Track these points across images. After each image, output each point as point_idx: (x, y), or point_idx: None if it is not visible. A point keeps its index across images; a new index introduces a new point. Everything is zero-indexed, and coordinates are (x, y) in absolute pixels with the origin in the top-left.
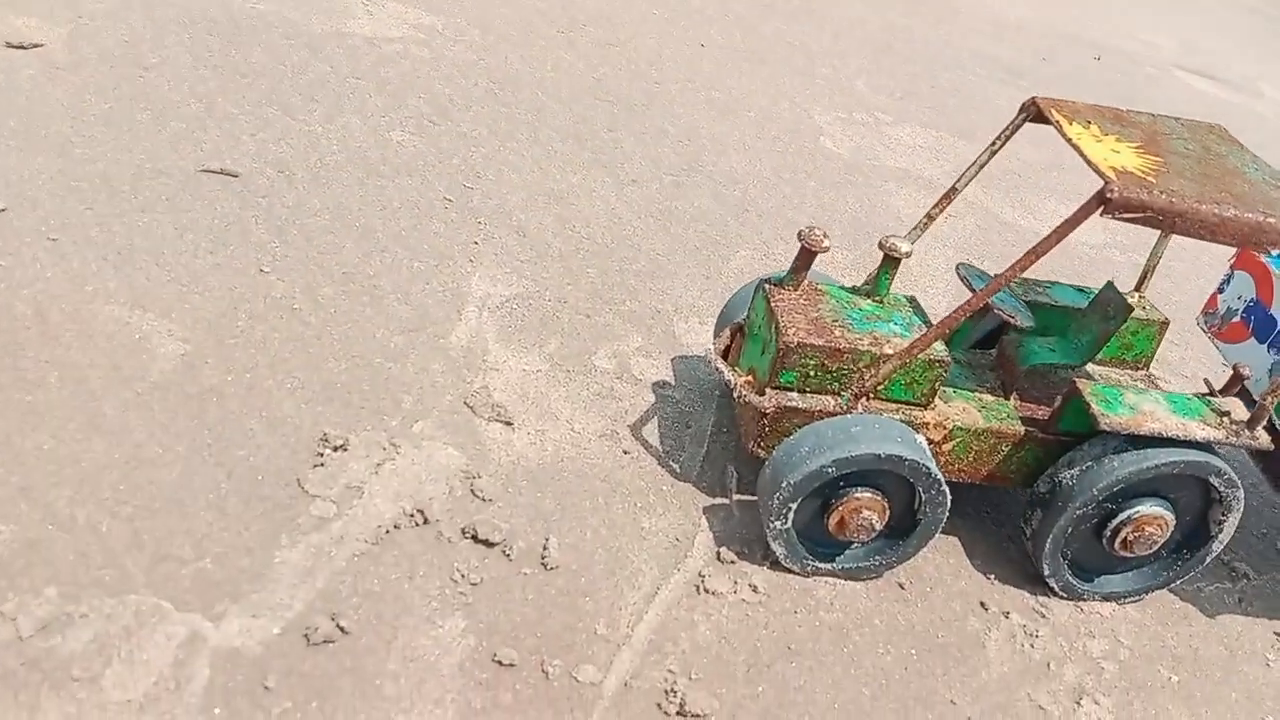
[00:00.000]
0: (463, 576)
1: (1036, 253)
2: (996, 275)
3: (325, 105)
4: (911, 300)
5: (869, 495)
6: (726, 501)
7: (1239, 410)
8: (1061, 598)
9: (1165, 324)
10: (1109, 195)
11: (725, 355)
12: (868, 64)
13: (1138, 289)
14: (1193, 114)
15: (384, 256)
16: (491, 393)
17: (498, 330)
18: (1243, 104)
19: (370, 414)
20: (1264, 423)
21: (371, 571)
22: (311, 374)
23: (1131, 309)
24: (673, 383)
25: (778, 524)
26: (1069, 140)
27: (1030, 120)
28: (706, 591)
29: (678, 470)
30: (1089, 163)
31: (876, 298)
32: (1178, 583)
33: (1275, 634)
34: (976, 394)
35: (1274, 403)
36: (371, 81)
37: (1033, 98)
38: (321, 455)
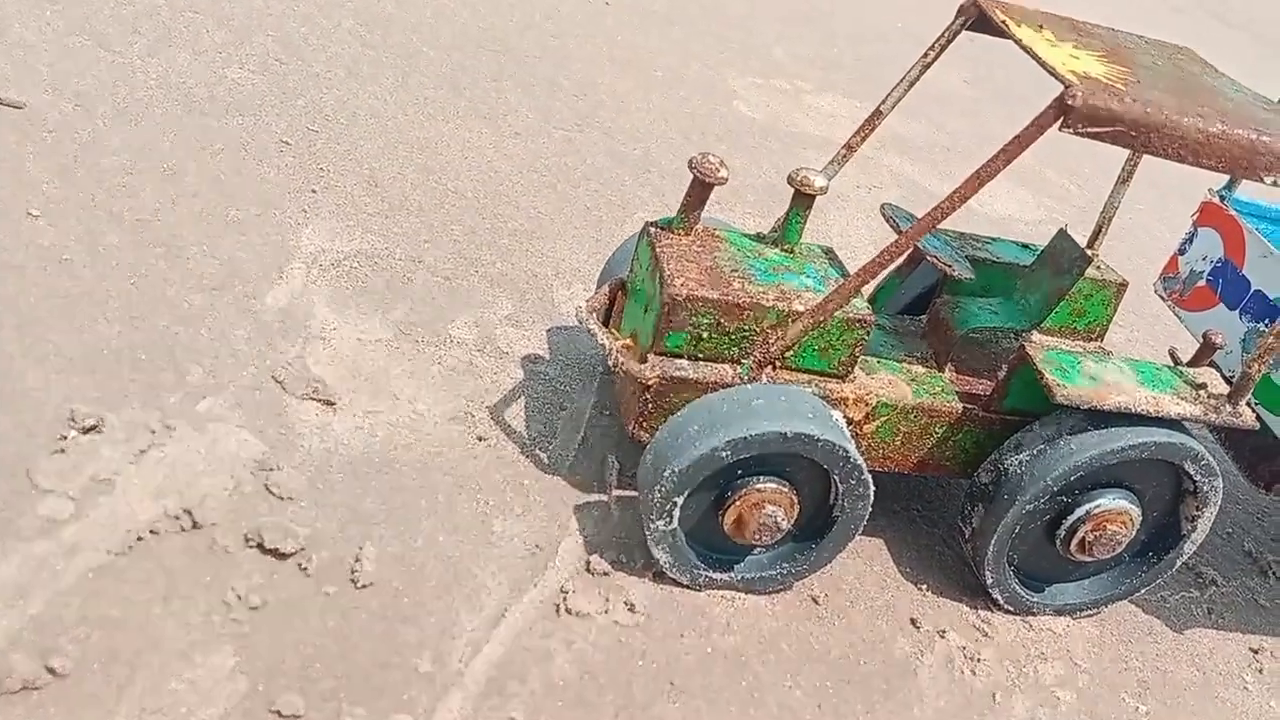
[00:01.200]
0: (239, 599)
1: (980, 178)
2: (929, 210)
3: (149, 38)
4: (827, 251)
5: (773, 486)
6: (605, 498)
7: (1216, 383)
8: (1007, 612)
9: (1123, 286)
10: (1071, 102)
11: (606, 320)
12: (786, 32)
13: (1090, 246)
14: None
15: (192, 203)
16: (310, 365)
17: (330, 292)
18: None
19: (142, 388)
20: (1248, 395)
21: (110, 592)
22: (72, 338)
23: (1089, 260)
24: (547, 356)
25: (660, 524)
26: (1019, 43)
27: (969, 27)
28: (569, 612)
29: (545, 461)
30: (1045, 66)
31: (785, 246)
32: (1142, 592)
33: (1251, 650)
34: (905, 365)
35: (1261, 371)
36: (212, 17)
37: None
38: (64, 439)
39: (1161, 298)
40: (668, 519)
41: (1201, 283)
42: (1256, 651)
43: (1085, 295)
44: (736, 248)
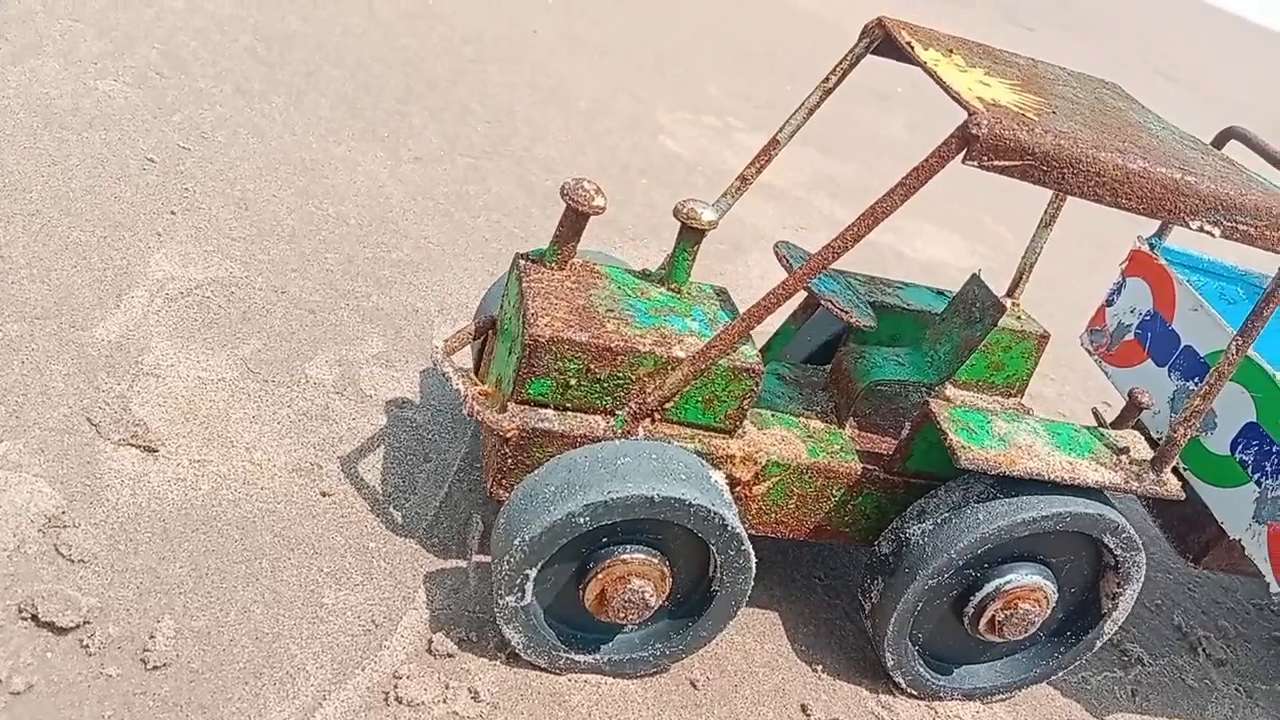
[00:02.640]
0: (0, 681)
1: (875, 214)
2: (822, 248)
3: (16, 44)
4: (720, 292)
5: (641, 558)
6: (463, 565)
7: (1140, 447)
8: (911, 696)
9: (1045, 338)
10: (974, 131)
11: (479, 364)
12: (725, 69)
13: (1010, 294)
14: None
15: (30, 222)
16: (134, 406)
17: (174, 324)
18: None
19: None
20: (1173, 462)
21: None
22: None
23: (1004, 309)
24: (416, 401)
25: (510, 600)
26: (924, 66)
27: (874, 50)
28: (399, 701)
29: (398, 520)
30: (949, 92)
31: (672, 285)
32: (1060, 674)
33: None
34: (803, 419)
35: (1187, 436)
36: (94, 26)
37: (879, 17)
38: None
39: (1088, 352)
40: (519, 594)
41: (1129, 336)
42: None
43: (1004, 347)
44: (616, 285)
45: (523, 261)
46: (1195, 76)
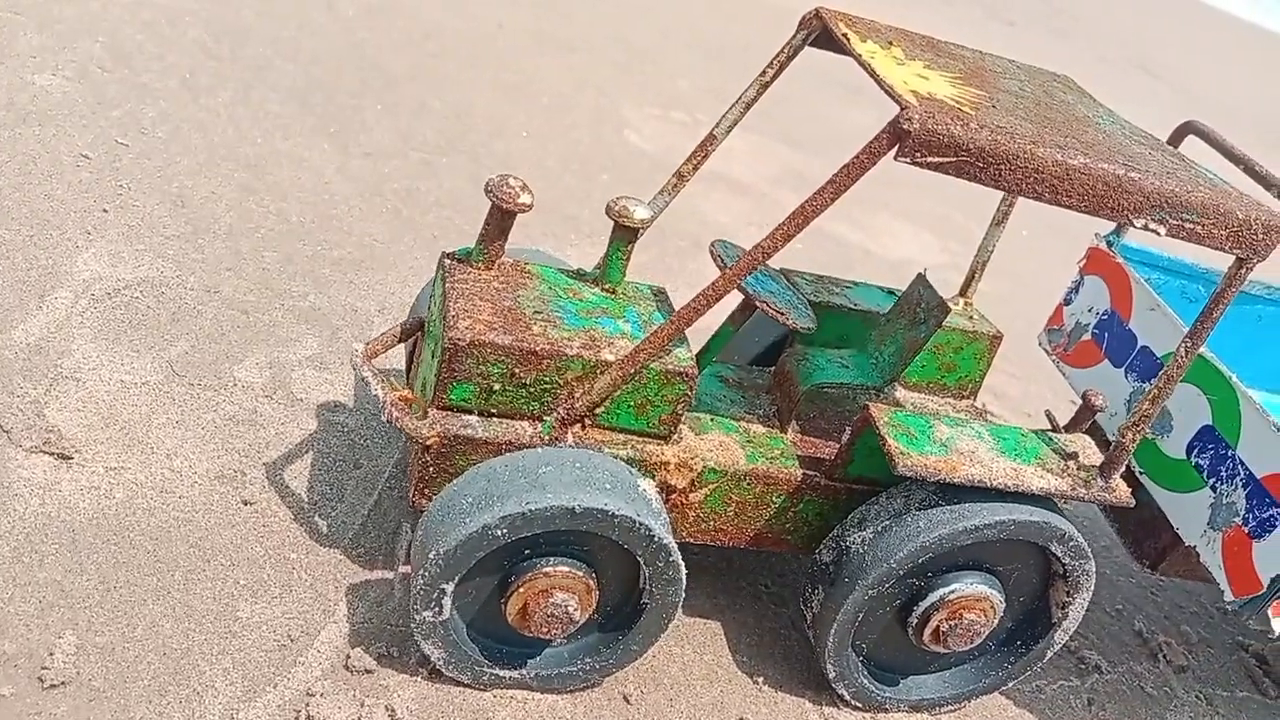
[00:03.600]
0: None
1: (806, 212)
2: (752, 247)
3: None
4: (658, 293)
5: (564, 570)
6: (390, 576)
7: (1090, 452)
8: (855, 708)
9: (997, 338)
10: (905, 126)
11: (410, 366)
12: (696, 64)
13: (963, 294)
14: None
15: None
16: (49, 411)
17: (98, 325)
18: None
19: None
20: (1122, 468)
21: None
22: None
23: (948, 309)
24: (349, 405)
25: (428, 615)
26: (858, 59)
27: (814, 43)
28: None
29: (323, 530)
30: (882, 85)
31: (606, 285)
32: (1010, 684)
33: None
34: (743, 424)
35: (1135, 441)
36: (35, 18)
37: (816, 9)
38: None
39: (1046, 352)
40: (437, 609)
41: (1087, 336)
42: None
43: (955, 348)
44: (547, 285)
45: (448, 261)
46: (1179, 74)
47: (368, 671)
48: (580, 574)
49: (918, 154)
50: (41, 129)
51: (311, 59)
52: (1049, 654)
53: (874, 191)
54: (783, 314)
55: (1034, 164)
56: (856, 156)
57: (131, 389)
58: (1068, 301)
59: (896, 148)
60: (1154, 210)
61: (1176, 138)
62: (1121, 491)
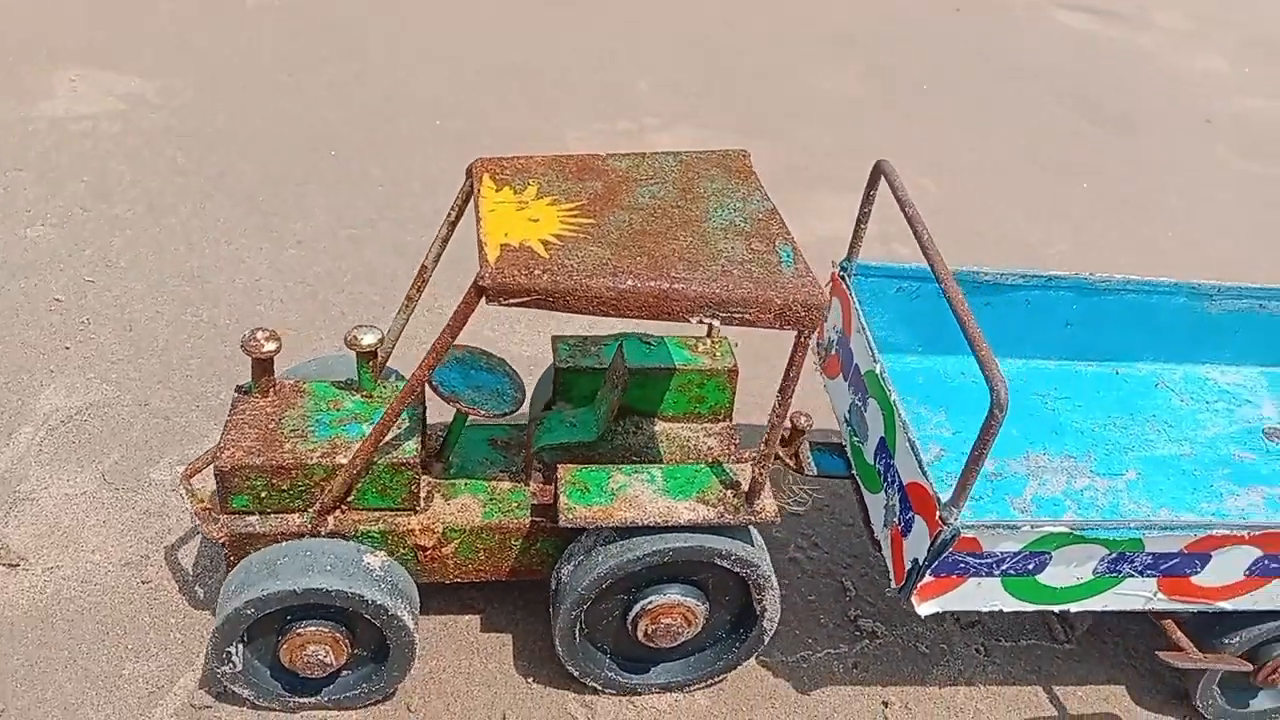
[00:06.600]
0: None
1: (437, 350)
2: (412, 374)
3: None
4: None
5: (314, 629)
6: None
7: (748, 479)
8: (611, 694)
9: (734, 372)
10: (482, 283)
11: None
12: (664, 61)
13: (709, 332)
14: (1062, 55)
15: None
16: (5, 530)
17: (53, 451)
18: (1124, 38)
19: None
20: (763, 493)
21: None
22: None
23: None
24: None
25: (225, 669)
26: (478, 214)
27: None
28: None
29: (200, 596)
30: (480, 244)
31: (364, 393)
32: (748, 662)
33: (884, 703)
34: (492, 483)
35: (766, 471)
36: (34, 171)
37: (478, 159)
38: None
39: (814, 365)
40: (231, 664)
41: (834, 351)
42: (886, 705)
43: (698, 384)
44: (314, 401)
45: (235, 395)
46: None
47: (206, 707)
48: (327, 630)
49: (500, 300)
50: (27, 280)
51: (267, 152)
52: (766, 639)
53: (819, 167)
54: (472, 409)
55: (591, 293)
56: (456, 310)
57: (72, 499)
58: (824, 319)
59: (484, 298)
60: (704, 311)
61: (873, 175)
62: (768, 512)
